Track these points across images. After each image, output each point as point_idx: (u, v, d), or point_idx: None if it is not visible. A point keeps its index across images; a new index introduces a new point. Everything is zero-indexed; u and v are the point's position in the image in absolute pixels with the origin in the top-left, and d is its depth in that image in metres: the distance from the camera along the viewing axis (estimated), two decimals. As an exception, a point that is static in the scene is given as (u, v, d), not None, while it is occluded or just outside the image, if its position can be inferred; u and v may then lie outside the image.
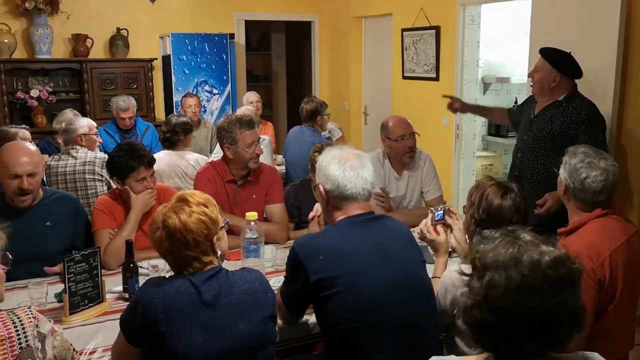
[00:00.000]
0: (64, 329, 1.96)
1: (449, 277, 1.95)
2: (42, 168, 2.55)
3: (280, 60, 8.83)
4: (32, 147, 2.57)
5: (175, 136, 4.04)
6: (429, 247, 2.77)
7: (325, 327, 1.87)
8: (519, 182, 3.18)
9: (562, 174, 2.16)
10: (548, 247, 1.17)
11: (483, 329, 1.16)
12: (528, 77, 3.29)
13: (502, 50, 5.29)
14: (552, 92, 3.11)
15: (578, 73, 3.12)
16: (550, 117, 3.10)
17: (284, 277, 1.96)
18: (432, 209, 2.23)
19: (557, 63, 3.08)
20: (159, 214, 1.72)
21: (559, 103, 3.09)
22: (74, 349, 1.65)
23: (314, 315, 1.95)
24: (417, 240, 2.80)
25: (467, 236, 2.18)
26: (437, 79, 5.35)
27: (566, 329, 1.15)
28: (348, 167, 1.90)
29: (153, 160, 2.70)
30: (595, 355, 1.26)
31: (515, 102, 5.24)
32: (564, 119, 3.04)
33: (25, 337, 1.46)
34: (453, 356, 1.28)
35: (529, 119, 3.26)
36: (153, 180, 2.69)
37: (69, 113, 4.53)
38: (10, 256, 1.65)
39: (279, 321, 1.92)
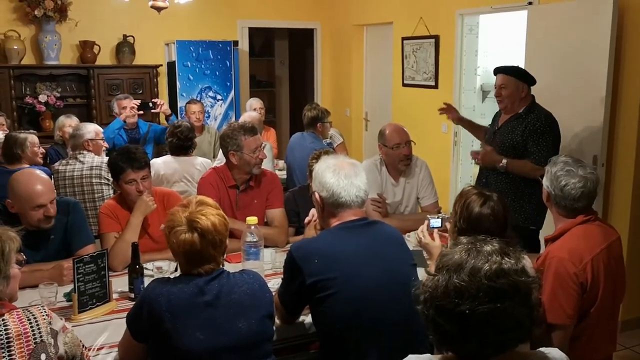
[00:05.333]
0: (73, 326, 2.05)
1: None
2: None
3: (283, 66, 8.94)
4: (42, 173, 2.58)
5: (189, 142, 4.13)
6: (423, 252, 2.88)
7: (321, 327, 1.98)
8: (487, 188, 3.36)
9: (545, 182, 2.26)
10: (503, 258, 1.24)
11: (430, 323, 1.25)
12: (495, 96, 3.44)
13: (500, 58, 5.39)
14: (519, 104, 3.32)
15: (534, 81, 3.36)
16: (512, 129, 3.31)
17: (282, 279, 2.06)
18: (429, 216, 2.33)
19: (519, 75, 3.31)
20: (180, 217, 1.79)
21: (519, 115, 3.31)
22: (83, 345, 1.76)
23: (309, 315, 2.05)
24: (412, 245, 2.91)
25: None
26: (436, 86, 5.45)
27: (506, 336, 1.22)
28: (342, 175, 2.00)
29: (144, 165, 2.78)
30: (554, 350, 1.35)
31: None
32: (523, 129, 3.25)
33: (40, 333, 1.57)
34: (428, 355, 1.37)
35: (493, 130, 3.48)
36: (145, 185, 2.77)
37: (64, 119, 4.66)
38: (24, 256, 1.75)
39: (277, 321, 2.02)
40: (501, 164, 3.28)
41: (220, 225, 1.80)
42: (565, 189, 2.16)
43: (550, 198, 2.23)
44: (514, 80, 3.30)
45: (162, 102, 5.09)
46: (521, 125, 3.27)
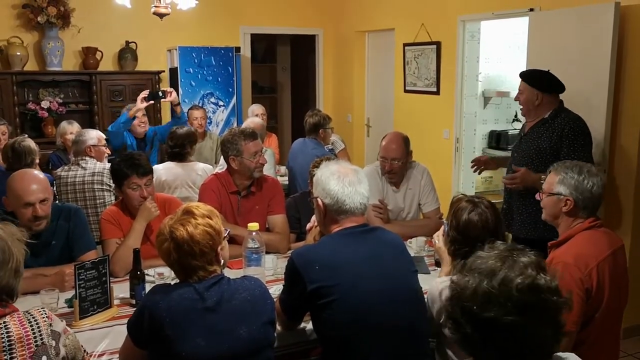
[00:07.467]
0: (74, 332, 2.06)
1: (436, 287, 2.05)
2: (51, 192, 2.60)
3: (285, 72, 8.97)
4: (40, 173, 2.60)
5: (183, 150, 4.13)
6: (425, 259, 2.88)
7: (322, 333, 1.97)
8: (511, 195, 3.34)
9: (565, 191, 2.20)
10: (539, 273, 1.21)
11: (451, 322, 1.25)
12: (515, 100, 3.39)
13: (502, 64, 5.40)
14: (538, 111, 3.24)
15: (559, 88, 3.23)
16: (538, 135, 3.23)
17: (283, 285, 2.06)
18: (446, 221, 2.34)
19: (536, 83, 3.22)
20: (165, 225, 1.82)
21: (545, 120, 3.22)
22: (84, 350, 1.76)
23: (310, 322, 2.04)
24: (413, 252, 2.91)
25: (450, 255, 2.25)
26: (437, 92, 5.46)
27: (526, 350, 1.19)
28: (347, 182, 2.00)
29: (149, 171, 2.80)
30: (571, 356, 1.33)
31: (515, 116, 5.36)
32: (550, 134, 3.17)
33: (41, 335, 1.57)
34: None
35: (519, 137, 3.41)
36: (149, 191, 2.78)
37: (65, 125, 4.68)
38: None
39: (278, 327, 2.02)
40: (542, 181, 3.17)
41: (201, 235, 1.76)
42: (594, 189, 2.18)
43: (577, 204, 2.20)
44: (529, 87, 3.22)
45: (172, 90, 4.93)
46: (548, 131, 3.18)
